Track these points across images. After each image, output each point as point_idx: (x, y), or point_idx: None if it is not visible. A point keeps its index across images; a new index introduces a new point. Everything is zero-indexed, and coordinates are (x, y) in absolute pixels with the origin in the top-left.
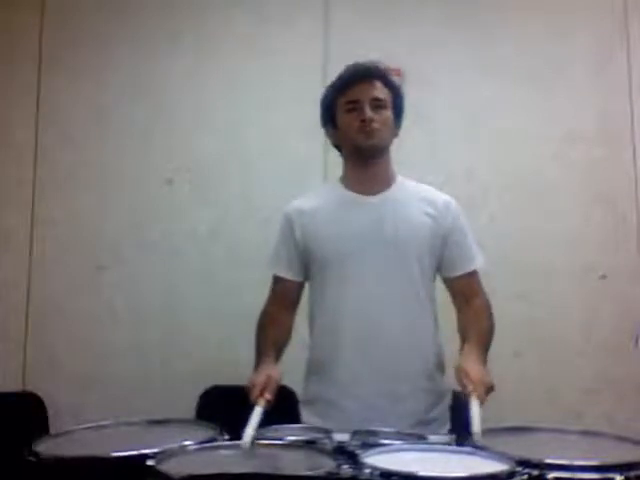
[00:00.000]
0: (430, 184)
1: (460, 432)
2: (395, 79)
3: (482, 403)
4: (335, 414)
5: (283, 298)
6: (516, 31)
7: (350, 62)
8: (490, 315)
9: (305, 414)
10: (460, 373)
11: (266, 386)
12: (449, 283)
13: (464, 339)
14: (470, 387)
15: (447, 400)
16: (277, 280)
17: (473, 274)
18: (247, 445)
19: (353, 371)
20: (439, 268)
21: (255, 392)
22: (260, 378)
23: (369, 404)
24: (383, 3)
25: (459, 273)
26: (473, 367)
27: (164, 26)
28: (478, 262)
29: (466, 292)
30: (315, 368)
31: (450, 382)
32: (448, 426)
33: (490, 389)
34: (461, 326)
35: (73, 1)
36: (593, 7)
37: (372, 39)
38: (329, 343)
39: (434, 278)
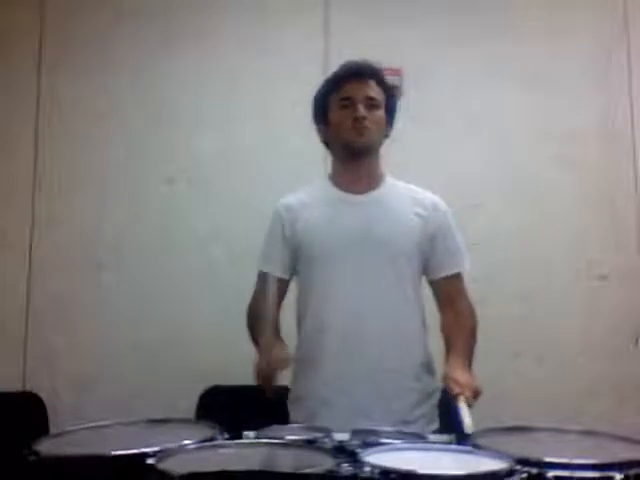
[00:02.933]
0: (430, 184)
1: (450, 430)
2: (394, 79)
3: (470, 407)
4: (322, 412)
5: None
6: (516, 31)
7: (347, 60)
8: (473, 319)
9: (293, 412)
10: (448, 380)
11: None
12: (434, 285)
13: (448, 344)
14: (458, 390)
15: (434, 398)
16: (264, 277)
17: (458, 276)
18: None
19: (339, 369)
20: (425, 269)
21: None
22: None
23: (355, 402)
24: (383, 3)
25: (444, 274)
26: (461, 374)
27: (164, 26)
28: (464, 265)
29: (450, 294)
30: (302, 366)
31: (439, 381)
32: (436, 424)
33: (477, 394)
34: (444, 330)
35: (73, 1)
36: (593, 7)
37: (372, 39)
38: (316, 341)
39: (421, 278)
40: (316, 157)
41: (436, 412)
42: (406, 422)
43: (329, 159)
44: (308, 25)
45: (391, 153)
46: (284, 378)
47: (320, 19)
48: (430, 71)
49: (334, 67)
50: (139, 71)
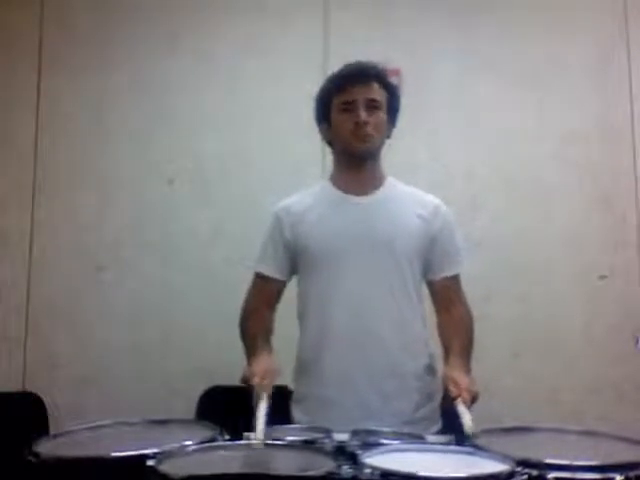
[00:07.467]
0: (430, 184)
1: (451, 432)
2: (393, 79)
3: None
4: (325, 412)
5: (268, 296)
6: (516, 31)
7: (350, 62)
8: (471, 321)
9: (296, 412)
10: (448, 381)
11: (265, 375)
12: (433, 286)
13: (446, 345)
14: (456, 392)
15: (436, 400)
16: (262, 278)
17: (457, 277)
18: (261, 441)
19: (342, 369)
20: (425, 270)
21: (257, 379)
22: (259, 367)
23: (358, 402)
24: (383, 3)
25: (444, 275)
26: (461, 376)
27: (164, 25)
28: (463, 265)
29: (449, 295)
30: (305, 366)
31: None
32: (439, 425)
33: (475, 398)
34: (442, 332)
35: (72, 1)
36: (593, 7)
37: (372, 39)
38: (318, 342)
39: (422, 280)
40: (316, 157)
41: (438, 413)
42: (409, 423)
43: (329, 159)
44: (308, 25)
45: (390, 153)
46: (287, 379)
47: (320, 19)
48: (430, 71)
49: (334, 67)
50: (139, 71)
